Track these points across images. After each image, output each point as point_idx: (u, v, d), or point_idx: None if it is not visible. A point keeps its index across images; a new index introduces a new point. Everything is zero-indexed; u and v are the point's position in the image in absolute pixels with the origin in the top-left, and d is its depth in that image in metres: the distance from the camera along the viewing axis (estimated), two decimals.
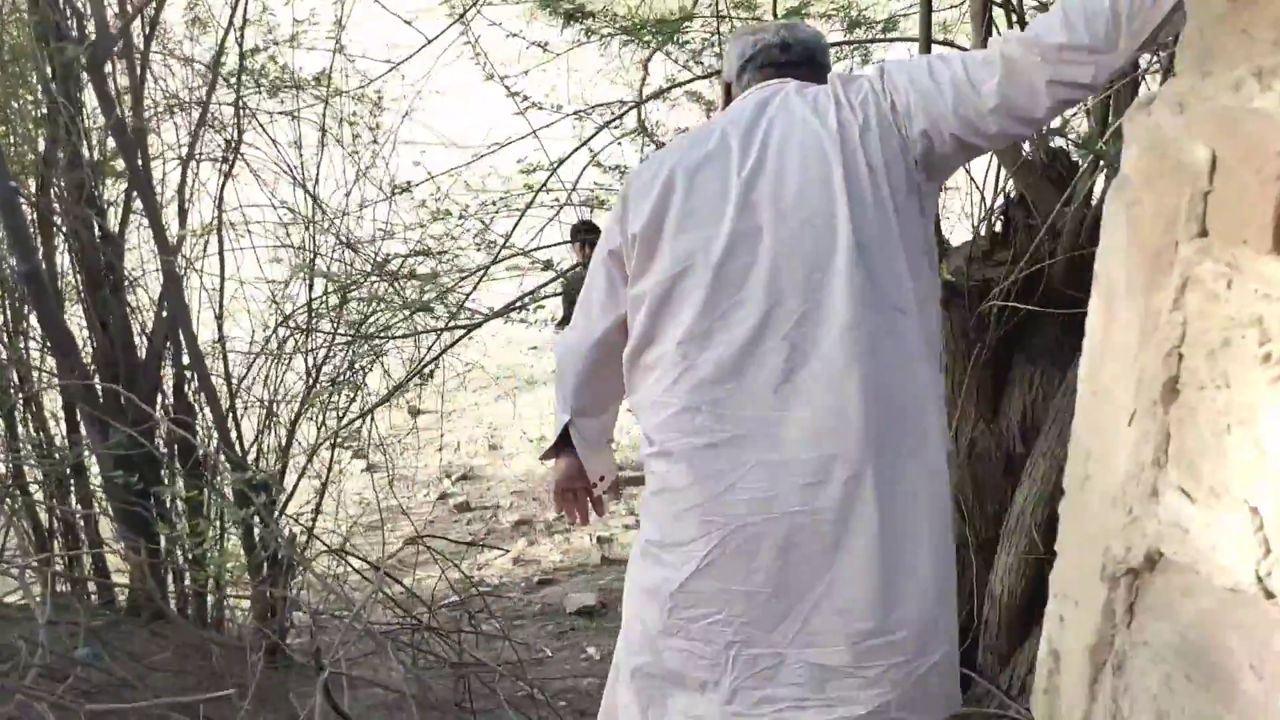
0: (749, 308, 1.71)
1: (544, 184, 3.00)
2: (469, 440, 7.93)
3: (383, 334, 3.23)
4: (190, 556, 3.74)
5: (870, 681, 1.72)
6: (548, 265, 3.04)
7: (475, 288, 3.09)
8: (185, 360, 3.86)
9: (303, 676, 3.71)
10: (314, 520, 4.07)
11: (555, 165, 2.99)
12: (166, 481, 3.93)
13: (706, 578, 1.76)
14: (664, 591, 1.81)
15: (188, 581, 4.02)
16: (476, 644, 4.19)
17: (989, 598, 2.83)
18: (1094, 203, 2.73)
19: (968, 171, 3.16)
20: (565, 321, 6.63)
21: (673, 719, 1.86)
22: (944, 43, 3.42)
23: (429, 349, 3.20)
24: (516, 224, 3.06)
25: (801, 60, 1.92)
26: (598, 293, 1.96)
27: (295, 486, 3.91)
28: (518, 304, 3.23)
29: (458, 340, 3.14)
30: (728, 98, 2.00)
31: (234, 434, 3.90)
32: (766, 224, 1.71)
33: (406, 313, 3.35)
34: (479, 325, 3.09)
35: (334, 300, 4.12)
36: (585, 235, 5.85)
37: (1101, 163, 2.70)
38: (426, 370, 3.02)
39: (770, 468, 1.70)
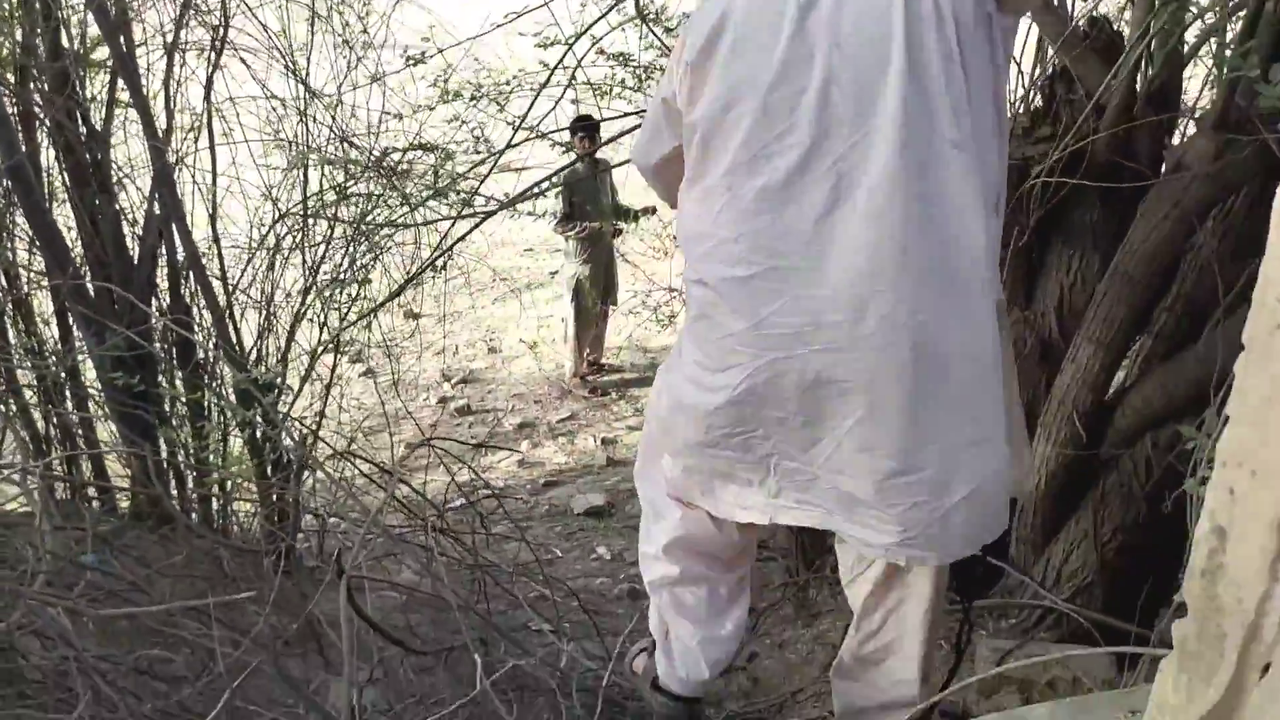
0: (796, 136, 1.65)
1: (560, 60, 2.81)
2: (467, 344, 7.81)
3: (392, 223, 3.06)
4: (195, 460, 3.65)
5: (892, 518, 1.75)
6: (566, 148, 2.86)
7: (490, 171, 2.93)
8: (180, 258, 3.70)
9: (313, 580, 3.66)
10: (318, 424, 3.97)
11: (570, 40, 2.80)
12: (165, 384, 3.82)
13: (741, 405, 1.79)
14: (701, 411, 1.85)
15: (190, 486, 3.95)
16: (488, 545, 4.14)
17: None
18: (1141, 74, 2.58)
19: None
20: (566, 218, 6.47)
21: (724, 505, 1.96)
22: None
23: (437, 244, 3.04)
24: (534, 101, 2.88)
25: None
26: (644, 133, 2.01)
27: (299, 390, 3.79)
28: (535, 190, 3.08)
29: (473, 229, 2.99)
30: None
31: (233, 336, 3.77)
32: (820, 50, 1.63)
33: (409, 207, 3.19)
34: (494, 213, 2.94)
35: (333, 194, 3.97)
36: (584, 129, 5.66)
37: (1151, 31, 2.54)
38: (438, 263, 2.87)
39: (805, 302, 1.68)
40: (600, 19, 3.26)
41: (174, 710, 2.12)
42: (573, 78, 2.85)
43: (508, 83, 2.97)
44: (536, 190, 3.16)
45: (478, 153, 3.32)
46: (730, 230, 1.72)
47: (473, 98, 2.99)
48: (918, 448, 1.69)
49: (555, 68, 2.75)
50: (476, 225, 2.94)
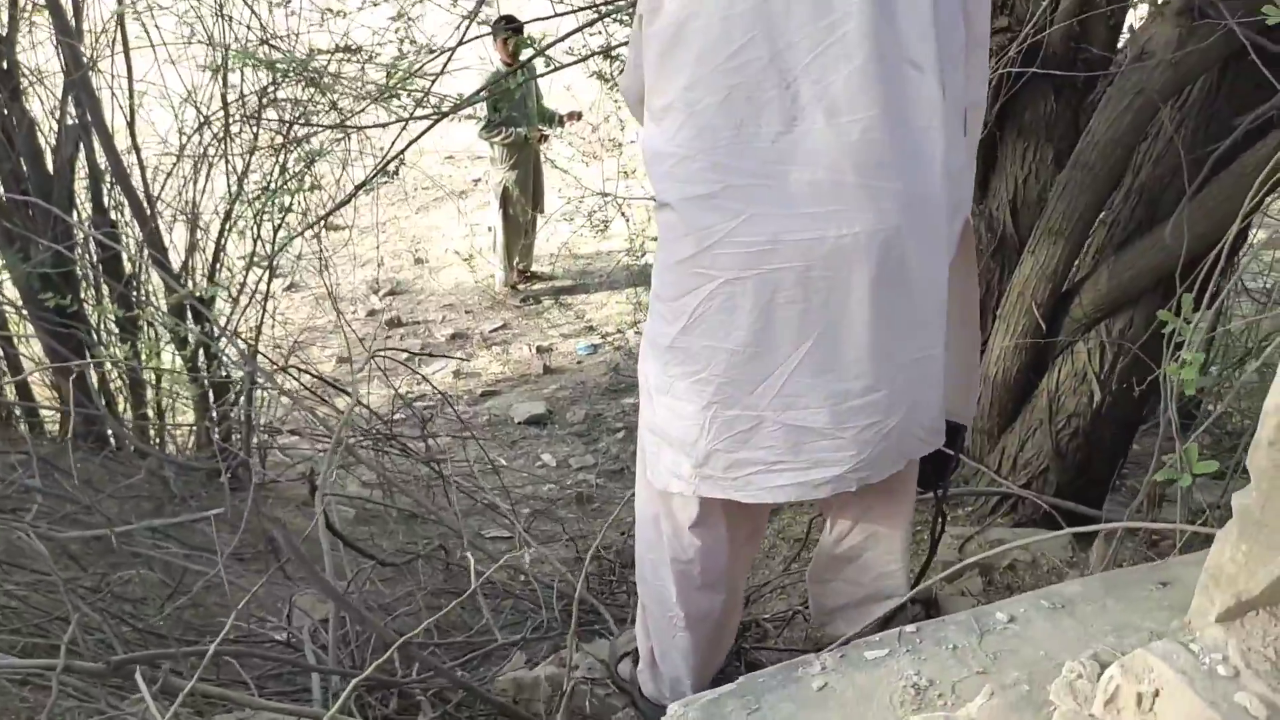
0: (755, 50, 1.58)
1: None
2: (393, 255, 7.64)
3: (342, 126, 2.94)
4: (131, 379, 3.53)
5: (846, 443, 1.73)
6: (530, 42, 2.74)
7: (443, 70, 2.81)
8: (103, 167, 3.52)
9: (264, 496, 3.60)
10: (256, 339, 3.86)
11: None
12: (93, 301, 3.67)
13: (693, 334, 1.73)
14: (659, 345, 1.80)
15: (123, 406, 3.83)
16: (435, 455, 4.10)
17: (982, 379, 2.80)
18: None
19: None
20: (490, 124, 6.30)
21: (659, 473, 1.89)
22: None
23: (386, 150, 2.91)
24: None
25: None
26: (629, 59, 1.88)
27: (238, 304, 3.67)
28: (482, 93, 2.96)
29: (427, 129, 2.88)
30: None
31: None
32: None
33: (352, 110, 3.05)
34: (447, 115, 2.83)
35: (256, 100, 3.79)
36: (506, 29, 5.50)
37: None
38: (389, 168, 2.76)
39: (765, 220, 1.63)
40: None
41: (153, 628, 2.07)
42: None
43: None
44: (485, 95, 3.04)
45: (411, 54, 3.18)
46: (688, 148, 1.66)
47: None
48: (872, 367, 1.68)
49: None
50: (431, 126, 2.82)
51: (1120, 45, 2.75)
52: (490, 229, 7.09)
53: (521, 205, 6.67)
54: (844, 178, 1.58)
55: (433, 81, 2.82)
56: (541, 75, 2.78)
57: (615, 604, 2.82)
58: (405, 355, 4.06)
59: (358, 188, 2.81)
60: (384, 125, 2.75)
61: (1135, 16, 2.97)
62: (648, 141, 1.77)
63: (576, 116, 6.62)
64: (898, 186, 1.60)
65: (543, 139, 6.63)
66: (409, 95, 2.86)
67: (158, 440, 3.89)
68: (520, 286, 7.12)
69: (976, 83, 1.76)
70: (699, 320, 1.71)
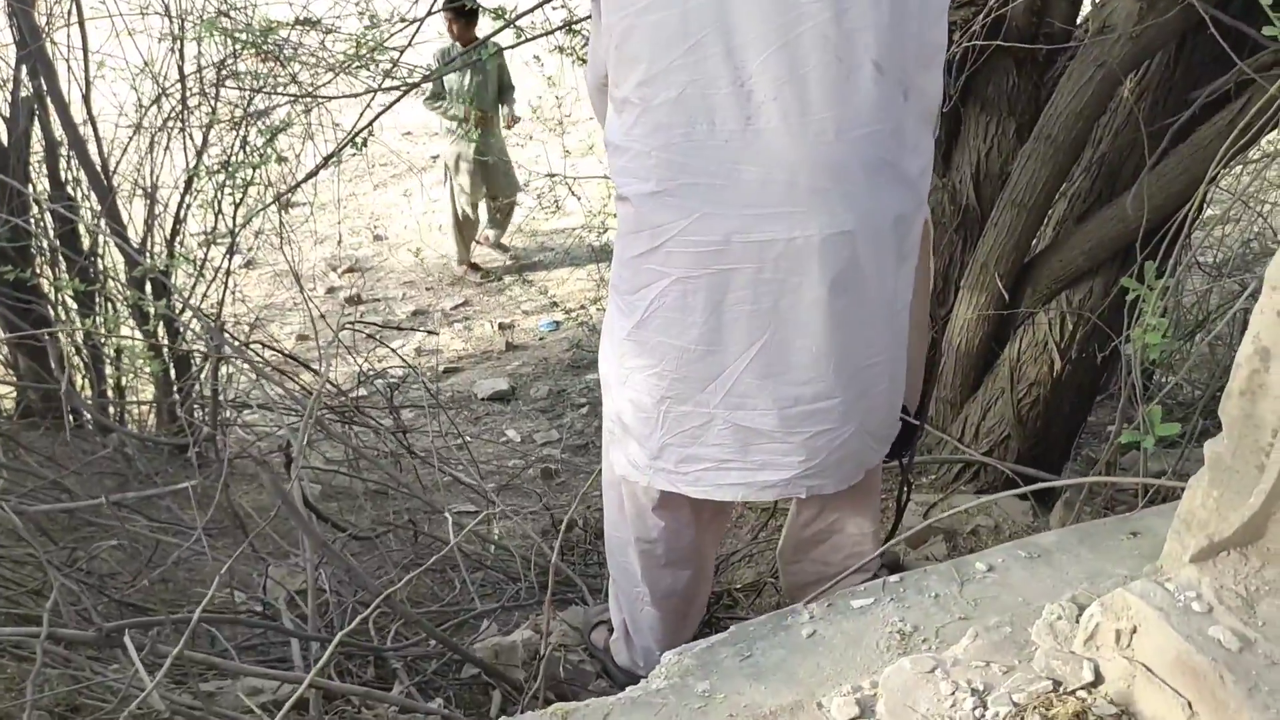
0: (711, 48, 1.56)
1: None
2: (351, 232, 7.57)
3: (312, 95, 2.91)
4: (93, 355, 3.49)
5: (794, 447, 1.74)
6: (499, 13, 2.72)
7: (411, 41, 2.79)
8: (59, 138, 3.46)
9: (230, 472, 3.58)
10: (219, 314, 3.82)
11: None
12: (50, 275, 3.62)
13: (648, 329, 1.73)
14: (617, 337, 1.81)
15: (82, 381, 3.78)
16: (401, 431, 4.09)
17: (946, 349, 2.86)
18: None
19: None
20: (435, 95, 6.24)
21: (618, 462, 1.92)
22: None
23: (354, 124, 2.89)
24: None
25: None
26: (592, 39, 1.82)
27: (207, 279, 3.64)
28: (447, 66, 2.94)
29: (396, 101, 2.86)
30: None
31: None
32: None
33: (311, 82, 3.02)
34: (417, 85, 2.82)
35: (214, 72, 3.74)
36: (452, 9, 5.46)
37: None
38: (356, 141, 2.74)
39: (718, 220, 1.62)
40: None
41: (131, 600, 2.06)
42: None
43: None
44: (454, 67, 3.02)
45: (379, 25, 3.16)
46: (643, 144, 1.65)
47: None
48: (824, 374, 1.69)
49: None
50: (399, 98, 2.81)
51: (1081, 19, 2.80)
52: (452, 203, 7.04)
53: (465, 185, 6.62)
54: (797, 179, 1.57)
55: (400, 53, 2.80)
56: (507, 48, 2.75)
57: (588, 574, 2.84)
58: (372, 328, 4.02)
59: (325, 160, 2.79)
60: (355, 95, 2.73)
61: None
62: (608, 133, 1.76)
63: (514, 121, 6.62)
64: (852, 190, 1.59)
65: (483, 120, 6.49)
66: (376, 67, 2.83)
67: (118, 417, 3.85)
68: (495, 261, 7.12)
69: (937, 85, 1.74)
70: (654, 315, 1.71)
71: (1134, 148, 2.48)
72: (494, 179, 6.68)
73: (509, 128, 6.68)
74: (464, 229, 6.86)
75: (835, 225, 1.59)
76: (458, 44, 5.93)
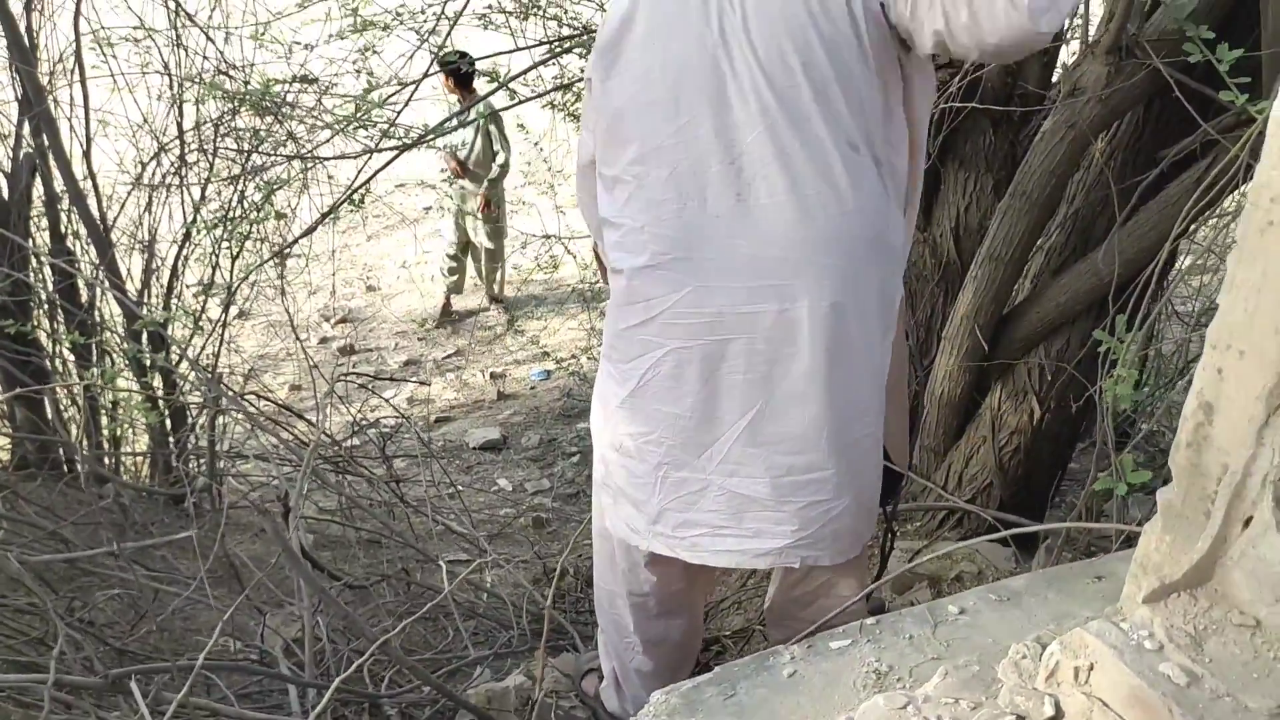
0: (701, 128, 1.65)
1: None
2: (345, 283, 7.65)
3: (312, 156, 2.99)
4: (90, 407, 3.53)
5: (787, 516, 1.77)
6: (494, 77, 2.82)
7: (406, 104, 2.88)
8: (60, 192, 3.53)
9: (225, 522, 3.61)
10: (215, 365, 3.88)
11: None
12: (50, 328, 3.67)
13: (643, 397, 1.78)
14: (612, 404, 1.84)
15: (77, 433, 3.83)
16: (394, 479, 4.13)
17: (929, 399, 2.92)
18: None
19: None
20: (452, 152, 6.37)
21: (616, 525, 1.95)
22: None
23: (353, 179, 2.97)
24: (450, 30, 2.83)
25: None
26: (585, 114, 1.89)
27: (203, 332, 3.70)
28: (450, 121, 3.04)
29: (390, 161, 2.95)
30: None
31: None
32: (734, 46, 1.62)
33: (331, 133, 3.10)
34: (413, 145, 2.90)
35: (214, 128, 3.83)
36: (449, 69, 5.58)
37: None
38: (356, 195, 2.82)
39: (712, 293, 1.68)
40: None
41: (130, 648, 2.10)
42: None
43: (422, 11, 2.91)
44: (455, 124, 3.11)
45: (376, 85, 3.25)
46: (635, 219, 1.71)
47: (385, 27, 2.92)
48: (817, 444, 1.72)
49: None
50: (396, 156, 2.89)
51: (1053, 81, 2.91)
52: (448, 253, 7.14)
53: (467, 240, 6.77)
54: (788, 254, 1.64)
55: (398, 113, 2.89)
56: (502, 109, 2.84)
57: (580, 621, 2.88)
58: (365, 379, 4.08)
59: (323, 216, 2.87)
60: (353, 156, 2.81)
61: (1067, 54, 3.14)
62: (601, 209, 1.82)
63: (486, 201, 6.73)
64: (840, 263, 1.66)
65: (462, 172, 6.62)
66: (374, 126, 2.92)
67: (114, 468, 3.89)
68: (492, 308, 7.23)
69: (917, 168, 1.82)
70: (648, 384, 1.76)
71: (1106, 204, 2.57)
72: (499, 223, 6.86)
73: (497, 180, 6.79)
74: (461, 259, 6.99)
75: (825, 298, 1.65)
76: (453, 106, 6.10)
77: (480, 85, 5.90)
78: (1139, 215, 2.43)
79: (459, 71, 5.67)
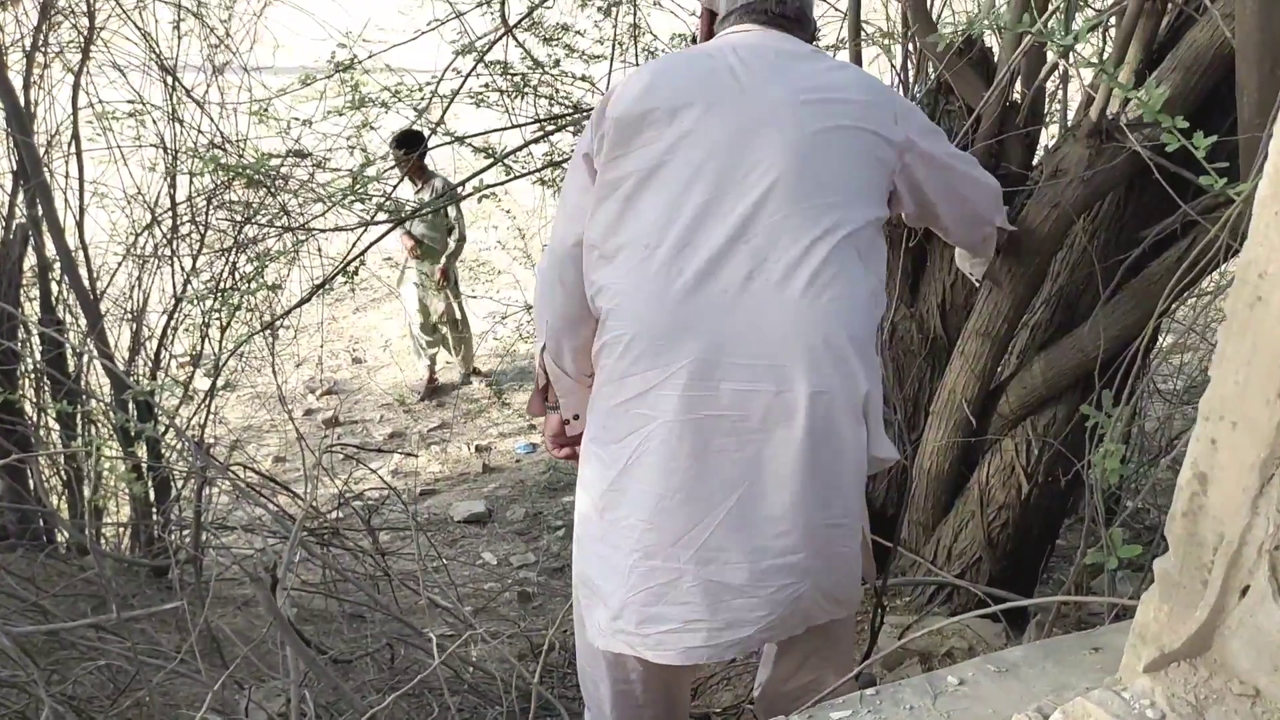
0: (723, 205, 1.71)
1: (473, 69, 2.84)
2: (330, 355, 7.65)
3: (304, 228, 3.03)
4: (70, 477, 3.50)
5: (761, 602, 1.76)
6: (488, 154, 2.88)
7: (402, 179, 2.93)
8: (52, 261, 3.55)
9: (206, 594, 3.56)
10: (202, 436, 3.87)
11: (483, 52, 2.83)
12: (35, 397, 3.66)
13: (631, 476, 1.77)
14: (596, 490, 1.82)
15: (56, 503, 3.79)
16: (379, 552, 4.10)
17: (917, 473, 2.93)
18: (1016, 91, 2.79)
19: (893, 62, 3.20)
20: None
21: (591, 631, 1.90)
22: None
23: (347, 252, 3.00)
24: (446, 109, 2.89)
25: (794, 16, 1.92)
26: (574, 193, 1.89)
27: (182, 403, 3.69)
28: (444, 198, 3.08)
29: (385, 235, 2.98)
30: (709, 26, 2.00)
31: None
32: (759, 125, 1.72)
33: (289, 212, 3.14)
34: (406, 219, 2.94)
35: (206, 200, 3.87)
36: (401, 145, 5.53)
37: (1020, 46, 2.76)
38: (348, 269, 2.85)
39: (707, 369, 1.70)
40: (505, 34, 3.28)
41: None
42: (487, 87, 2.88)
43: (421, 88, 2.97)
44: (445, 200, 3.16)
45: (371, 159, 3.30)
46: (641, 292, 1.73)
47: (384, 104, 2.98)
48: (794, 527, 1.73)
49: (469, 75, 2.77)
50: (391, 229, 2.93)
51: (1034, 163, 2.98)
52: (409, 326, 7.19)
53: (431, 320, 6.84)
54: (789, 337, 1.68)
55: (395, 186, 2.94)
56: (497, 185, 2.89)
57: (566, 696, 2.84)
58: (351, 450, 4.07)
59: (316, 288, 2.89)
60: (348, 229, 2.85)
61: (1047, 136, 3.21)
62: (598, 279, 1.82)
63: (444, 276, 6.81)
64: (838, 355, 1.70)
65: (417, 250, 6.70)
66: (370, 200, 2.96)
67: (94, 539, 3.85)
68: (473, 381, 7.23)
69: (882, 258, 1.92)
70: (637, 462, 1.75)
71: (1089, 281, 2.62)
72: (458, 306, 6.91)
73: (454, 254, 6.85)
74: (425, 330, 7.02)
75: (820, 383, 1.68)
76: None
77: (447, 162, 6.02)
78: (1122, 293, 2.47)
79: (421, 155, 5.70)
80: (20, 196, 3.60)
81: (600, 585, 1.83)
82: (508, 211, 4.54)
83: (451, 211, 6.40)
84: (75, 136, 3.82)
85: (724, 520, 1.72)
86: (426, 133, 4.61)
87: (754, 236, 1.69)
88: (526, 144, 3.02)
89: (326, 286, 2.84)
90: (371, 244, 2.87)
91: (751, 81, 1.76)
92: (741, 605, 1.75)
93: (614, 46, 3.47)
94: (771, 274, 1.69)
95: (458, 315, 6.92)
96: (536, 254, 6.36)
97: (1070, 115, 2.49)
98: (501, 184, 2.91)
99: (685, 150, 1.73)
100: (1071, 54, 2.26)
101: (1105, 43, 2.60)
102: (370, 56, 2.92)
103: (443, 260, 6.65)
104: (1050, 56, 2.74)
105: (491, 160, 2.82)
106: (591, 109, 3.28)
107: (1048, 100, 2.98)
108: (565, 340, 1.92)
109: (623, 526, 1.78)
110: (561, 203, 1.94)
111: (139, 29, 3.66)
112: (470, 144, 2.89)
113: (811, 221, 1.69)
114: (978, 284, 2.54)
